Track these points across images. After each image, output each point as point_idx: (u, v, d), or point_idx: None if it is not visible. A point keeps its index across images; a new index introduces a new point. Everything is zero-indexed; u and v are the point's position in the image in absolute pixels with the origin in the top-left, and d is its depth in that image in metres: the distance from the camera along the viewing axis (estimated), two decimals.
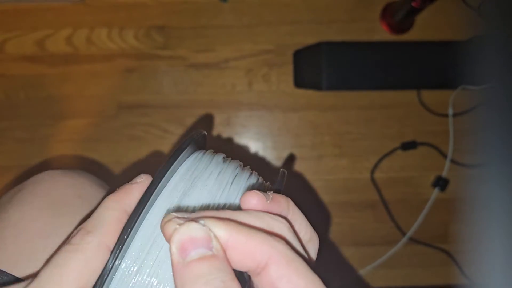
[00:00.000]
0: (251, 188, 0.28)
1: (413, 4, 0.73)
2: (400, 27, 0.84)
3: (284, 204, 0.25)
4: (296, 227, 0.25)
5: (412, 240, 0.84)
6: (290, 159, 0.85)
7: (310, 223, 0.26)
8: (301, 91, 0.84)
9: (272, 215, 0.23)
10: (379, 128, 0.85)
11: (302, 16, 0.85)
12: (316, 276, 0.21)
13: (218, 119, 0.84)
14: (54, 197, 0.38)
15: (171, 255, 0.20)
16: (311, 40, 0.84)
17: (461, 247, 0.79)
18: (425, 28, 0.85)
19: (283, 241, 0.21)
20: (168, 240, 0.20)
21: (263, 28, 0.85)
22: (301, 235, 0.25)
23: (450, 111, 0.83)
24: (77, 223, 0.37)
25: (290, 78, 0.85)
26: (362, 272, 0.84)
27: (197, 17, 0.84)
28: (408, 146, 0.84)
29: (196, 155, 0.30)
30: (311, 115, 0.85)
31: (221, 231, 0.20)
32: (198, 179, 0.27)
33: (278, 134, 0.84)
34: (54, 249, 0.35)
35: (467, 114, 0.84)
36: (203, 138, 0.31)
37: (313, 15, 0.85)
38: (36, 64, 0.82)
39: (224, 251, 0.20)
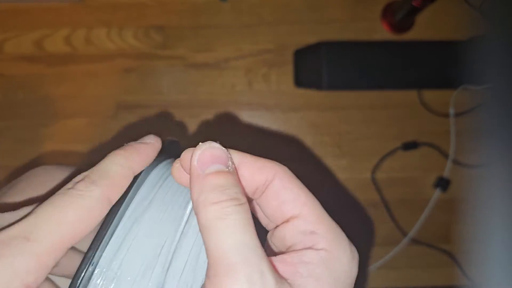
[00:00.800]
0: None
1: (414, 3, 0.73)
2: (401, 26, 0.84)
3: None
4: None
5: (413, 240, 0.84)
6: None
7: None
8: (301, 91, 0.84)
9: (267, 160, 0.26)
10: (380, 128, 0.85)
11: (302, 15, 0.85)
12: (313, 196, 0.24)
13: (218, 119, 0.84)
14: (46, 193, 0.38)
15: (191, 167, 0.23)
16: (311, 39, 0.84)
17: (463, 248, 0.79)
18: (426, 27, 0.85)
19: (285, 166, 0.25)
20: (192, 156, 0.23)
21: (263, 27, 0.84)
22: None
23: (452, 111, 0.83)
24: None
25: (290, 78, 0.84)
26: None
27: (196, 17, 0.84)
28: (409, 146, 0.84)
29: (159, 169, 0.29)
30: (311, 115, 0.84)
31: (235, 154, 0.24)
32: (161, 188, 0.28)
33: (278, 134, 0.84)
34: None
35: (469, 114, 0.83)
36: (173, 145, 0.31)
37: (313, 15, 0.85)
38: (34, 64, 0.82)
39: (237, 172, 0.24)
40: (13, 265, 0.20)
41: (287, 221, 0.23)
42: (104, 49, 0.83)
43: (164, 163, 0.30)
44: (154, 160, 0.27)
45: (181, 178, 0.25)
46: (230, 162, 0.23)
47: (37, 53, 0.82)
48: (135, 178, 0.25)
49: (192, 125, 0.83)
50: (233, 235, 0.20)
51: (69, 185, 0.23)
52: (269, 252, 0.25)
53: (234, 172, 0.23)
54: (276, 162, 0.24)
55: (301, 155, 0.84)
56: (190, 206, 0.27)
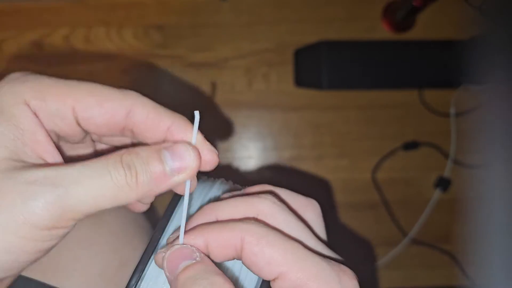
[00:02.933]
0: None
1: (414, 3, 0.72)
2: (401, 26, 0.83)
3: (257, 190, 0.27)
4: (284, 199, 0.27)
5: (414, 241, 0.84)
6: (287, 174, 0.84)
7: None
8: (301, 91, 0.84)
9: (253, 196, 0.25)
10: (380, 128, 0.85)
11: (302, 15, 0.84)
12: (294, 243, 0.23)
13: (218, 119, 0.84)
14: None
15: (167, 277, 0.23)
16: (311, 39, 0.83)
17: (463, 248, 0.79)
18: (426, 27, 0.84)
19: (252, 221, 0.24)
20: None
21: (263, 27, 0.84)
22: (292, 205, 0.27)
23: (452, 111, 0.83)
24: (115, 233, 0.39)
25: (290, 77, 0.84)
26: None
27: (196, 16, 0.83)
28: (410, 146, 0.84)
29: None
30: (311, 114, 0.84)
31: (197, 240, 0.24)
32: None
33: (278, 134, 0.84)
34: (95, 258, 0.37)
35: (469, 113, 0.83)
36: None
37: (313, 14, 0.85)
38: (34, 63, 0.82)
39: (206, 255, 0.24)
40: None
41: (273, 279, 0.23)
42: (103, 49, 0.83)
43: (200, 180, 0.31)
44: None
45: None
46: (196, 253, 0.23)
47: (37, 52, 0.82)
48: (176, 196, 0.27)
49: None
50: None
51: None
52: None
53: (203, 259, 0.23)
54: (239, 225, 0.23)
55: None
56: None
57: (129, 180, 0.22)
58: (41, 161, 0.23)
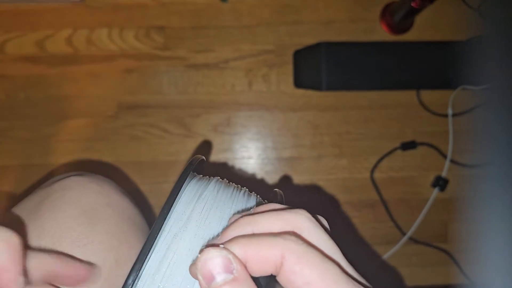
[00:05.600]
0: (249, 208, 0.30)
1: (412, 4, 0.73)
2: (400, 27, 0.84)
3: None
4: None
5: (412, 239, 0.84)
6: (286, 179, 0.85)
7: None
8: (301, 91, 0.84)
9: (288, 210, 0.25)
10: (379, 128, 0.85)
11: (301, 16, 0.85)
12: (332, 264, 0.23)
13: (218, 119, 0.84)
14: (86, 205, 0.39)
15: (200, 284, 0.22)
16: (310, 40, 0.84)
17: (461, 247, 0.79)
18: (425, 28, 0.85)
19: (292, 237, 0.23)
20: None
21: (263, 28, 0.85)
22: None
23: (450, 111, 0.84)
24: (110, 231, 0.39)
25: (290, 78, 0.85)
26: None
27: (197, 18, 0.84)
28: (408, 146, 0.84)
29: (196, 181, 0.31)
30: (310, 115, 0.85)
31: (236, 249, 0.23)
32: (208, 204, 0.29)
33: (278, 134, 0.85)
34: (90, 258, 0.37)
35: (467, 114, 0.84)
36: (202, 162, 0.33)
37: (313, 16, 0.85)
38: (36, 64, 0.82)
39: (245, 268, 0.23)
40: None
41: None
42: (105, 50, 0.83)
43: (196, 179, 0.31)
44: (187, 177, 0.28)
45: None
46: (234, 264, 0.22)
47: (39, 53, 0.83)
48: (172, 195, 0.27)
49: (192, 125, 0.84)
50: None
51: None
52: None
53: (240, 275, 0.22)
54: (280, 241, 0.23)
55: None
56: (226, 221, 0.28)
57: None
58: None
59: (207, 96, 0.84)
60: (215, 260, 0.22)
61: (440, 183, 0.84)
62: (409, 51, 0.82)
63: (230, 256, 0.22)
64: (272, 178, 0.84)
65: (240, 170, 0.84)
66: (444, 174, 0.84)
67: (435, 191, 0.84)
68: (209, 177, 0.32)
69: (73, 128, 0.83)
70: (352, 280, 0.23)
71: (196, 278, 0.22)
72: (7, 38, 0.82)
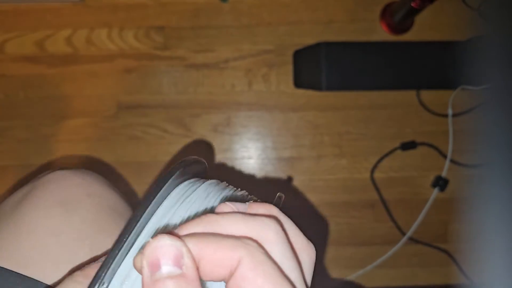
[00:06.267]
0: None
1: (412, 4, 0.73)
2: (400, 27, 0.84)
3: (263, 212, 0.24)
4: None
5: (412, 240, 0.84)
6: (288, 180, 0.85)
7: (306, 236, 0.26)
8: (301, 91, 0.84)
9: (257, 217, 0.23)
10: (379, 128, 0.85)
11: (301, 16, 0.85)
12: (286, 281, 0.21)
13: (218, 120, 0.84)
14: (65, 196, 0.39)
15: (142, 269, 0.20)
16: (310, 40, 0.84)
17: (461, 247, 0.79)
18: (424, 28, 0.85)
19: (254, 244, 0.22)
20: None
21: (263, 28, 0.85)
22: (292, 240, 0.25)
23: (450, 111, 0.83)
24: (87, 220, 0.39)
25: (289, 78, 0.85)
26: (362, 272, 0.84)
27: (196, 18, 0.84)
28: (408, 146, 0.84)
29: (184, 185, 0.29)
30: (310, 115, 0.85)
31: (191, 244, 0.21)
32: (183, 203, 0.27)
33: (278, 134, 0.84)
34: (65, 246, 0.37)
35: (467, 114, 0.84)
36: (195, 164, 0.29)
37: (313, 15, 0.85)
38: (35, 64, 0.82)
39: (196, 267, 0.21)
40: None
41: None
42: (104, 50, 0.83)
43: (185, 183, 0.28)
44: (177, 179, 0.26)
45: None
46: (185, 258, 0.20)
47: (39, 53, 0.82)
48: (153, 196, 0.25)
49: (192, 125, 0.84)
50: None
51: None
52: None
53: (188, 272, 0.20)
54: (241, 244, 0.21)
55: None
56: None
57: None
58: None
59: (207, 96, 0.84)
60: (165, 249, 0.20)
61: (440, 183, 0.84)
62: (409, 51, 0.82)
63: (184, 249, 0.20)
64: (272, 178, 0.84)
65: (240, 170, 0.84)
66: (444, 174, 0.84)
67: (435, 191, 0.84)
68: (203, 180, 0.29)
69: (72, 128, 0.83)
70: None
71: (139, 267, 0.20)
72: (7, 38, 0.82)
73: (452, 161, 0.84)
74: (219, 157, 0.84)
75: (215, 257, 0.21)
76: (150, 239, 0.20)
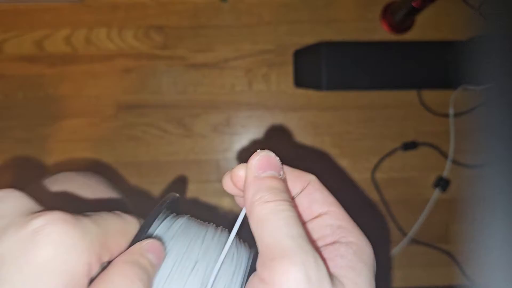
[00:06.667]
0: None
1: (413, 4, 0.73)
2: (401, 27, 0.84)
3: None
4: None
5: (413, 240, 0.84)
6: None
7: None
8: (301, 91, 0.84)
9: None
10: (380, 128, 0.85)
11: (301, 16, 0.85)
12: (339, 204, 0.27)
13: (217, 119, 0.84)
14: (71, 196, 0.41)
15: (248, 170, 0.25)
16: (311, 40, 0.84)
17: (462, 248, 0.79)
18: (425, 28, 0.85)
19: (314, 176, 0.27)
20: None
21: (263, 28, 0.84)
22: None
23: (451, 111, 0.83)
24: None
25: (290, 78, 0.84)
26: None
27: (196, 17, 0.84)
28: (409, 146, 0.84)
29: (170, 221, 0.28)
30: (311, 115, 0.84)
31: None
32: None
33: (278, 134, 0.84)
34: None
35: (468, 114, 0.83)
36: (176, 201, 0.30)
37: (313, 15, 0.85)
38: (34, 64, 0.82)
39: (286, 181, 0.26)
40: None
41: (316, 217, 0.26)
42: (104, 49, 0.83)
43: (156, 224, 0.28)
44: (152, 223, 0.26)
45: (230, 187, 0.27)
46: (282, 171, 0.26)
47: (38, 53, 0.82)
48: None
49: (192, 125, 0.83)
50: (287, 226, 0.22)
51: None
52: None
53: (285, 180, 0.26)
54: (308, 173, 0.27)
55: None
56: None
57: None
58: None
59: (206, 96, 0.84)
60: (272, 159, 0.26)
61: (441, 183, 0.83)
62: (410, 51, 0.82)
63: (281, 164, 0.26)
64: None
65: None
66: (445, 174, 0.84)
67: (436, 191, 0.84)
68: (176, 218, 0.28)
69: (71, 128, 0.82)
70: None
71: (237, 179, 0.26)
72: (5, 37, 0.82)
73: (453, 161, 0.83)
74: (219, 157, 0.84)
75: (294, 175, 0.27)
76: (259, 150, 0.26)
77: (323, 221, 0.26)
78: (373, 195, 0.85)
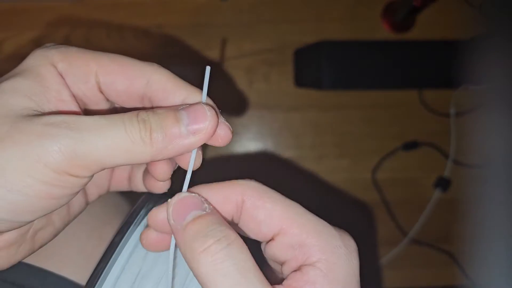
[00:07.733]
0: None
1: (414, 3, 0.72)
2: (401, 26, 0.83)
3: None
4: None
5: (414, 241, 0.84)
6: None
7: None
8: (302, 91, 0.84)
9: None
10: (380, 128, 0.85)
11: (302, 14, 0.84)
12: (293, 202, 0.23)
13: None
14: None
15: (170, 226, 0.22)
16: (311, 39, 0.83)
17: (463, 248, 0.79)
18: (426, 27, 0.84)
19: (251, 180, 0.24)
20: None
21: (263, 27, 0.84)
22: None
23: (452, 111, 0.83)
24: (94, 215, 0.41)
25: (290, 77, 0.84)
26: None
27: (196, 16, 0.83)
28: (410, 146, 0.84)
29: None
30: (311, 114, 0.84)
31: (200, 191, 0.23)
32: None
33: (279, 134, 0.84)
34: (73, 237, 0.39)
35: (469, 114, 0.83)
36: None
37: (314, 14, 0.85)
38: None
39: (216, 209, 0.23)
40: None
41: (272, 239, 0.23)
42: (103, 49, 0.82)
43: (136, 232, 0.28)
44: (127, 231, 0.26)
45: (153, 245, 0.25)
46: (205, 204, 0.22)
47: None
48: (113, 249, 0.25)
49: None
50: (232, 285, 0.19)
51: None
52: (268, 271, 0.26)
53: (213, 211, 0.22)
54: (240, 182, 0.24)
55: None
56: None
57: (143, 135, 0.22)
58: None
59: None
60: (184, 201, 0.22)
61: (442, 183, 0.83)
62: (411, 50, 0.82)
63: (201, 198, 0.23)
64: (272, 179, 0.84)
65: (239, 170, 0.83)
66: (446, 174, 0.83)
67: (437, 191, 0.84)
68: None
69: None
70: (313, 214, 0.23)
71: (157, 226, 0.23)
72: (4, 37, 0.82)
73: (454, 161, 0.83)
74: (218, 157, 0.83)
75: (220, 197, 0.23)
76: (169, 200, 0.23)
77: (280, 244, 0.23)
78: (374, 195, 0.84)
